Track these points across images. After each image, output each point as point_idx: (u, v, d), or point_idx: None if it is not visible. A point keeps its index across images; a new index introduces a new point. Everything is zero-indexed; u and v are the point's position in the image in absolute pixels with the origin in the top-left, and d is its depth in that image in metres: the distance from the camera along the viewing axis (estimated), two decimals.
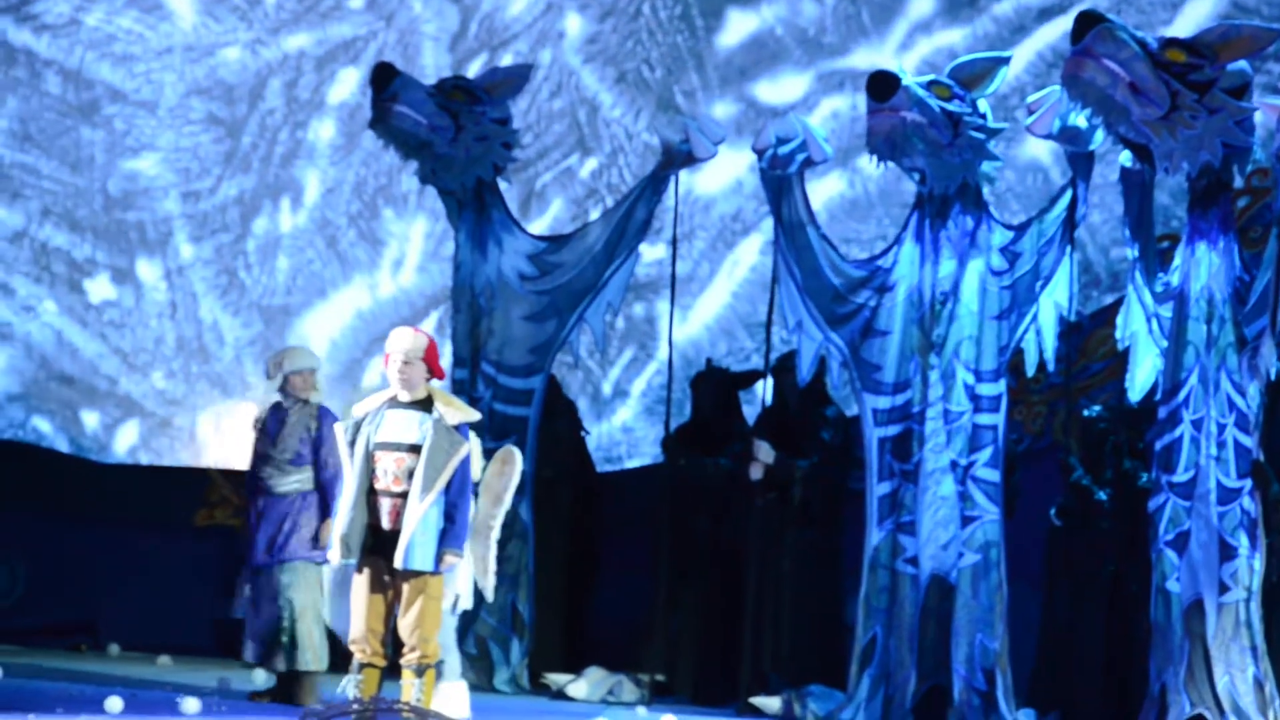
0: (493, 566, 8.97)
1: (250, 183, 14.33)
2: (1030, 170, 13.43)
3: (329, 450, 9.76)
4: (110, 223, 14.20)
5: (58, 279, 14.10)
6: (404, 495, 8.32)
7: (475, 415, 8.56)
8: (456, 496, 8.35)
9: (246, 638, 10.03)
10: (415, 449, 8.33)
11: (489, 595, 9.26)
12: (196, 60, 14.27)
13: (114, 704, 9.30)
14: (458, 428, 8.41)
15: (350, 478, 8.39)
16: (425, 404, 8.43)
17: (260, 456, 10.02)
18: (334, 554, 8.37)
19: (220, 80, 14.29)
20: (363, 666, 8.38)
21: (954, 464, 10.37)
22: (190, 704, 9.24)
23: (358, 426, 8.45)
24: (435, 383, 8.55)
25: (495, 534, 9.04)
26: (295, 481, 9.98)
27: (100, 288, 14.17)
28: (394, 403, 8.47)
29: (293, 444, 9.96)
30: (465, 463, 8.38)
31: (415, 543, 8.26)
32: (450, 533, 8.34)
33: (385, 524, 8.34)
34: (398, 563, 8.28)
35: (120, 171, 14.20)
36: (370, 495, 8.38)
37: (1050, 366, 10.51)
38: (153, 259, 14.24)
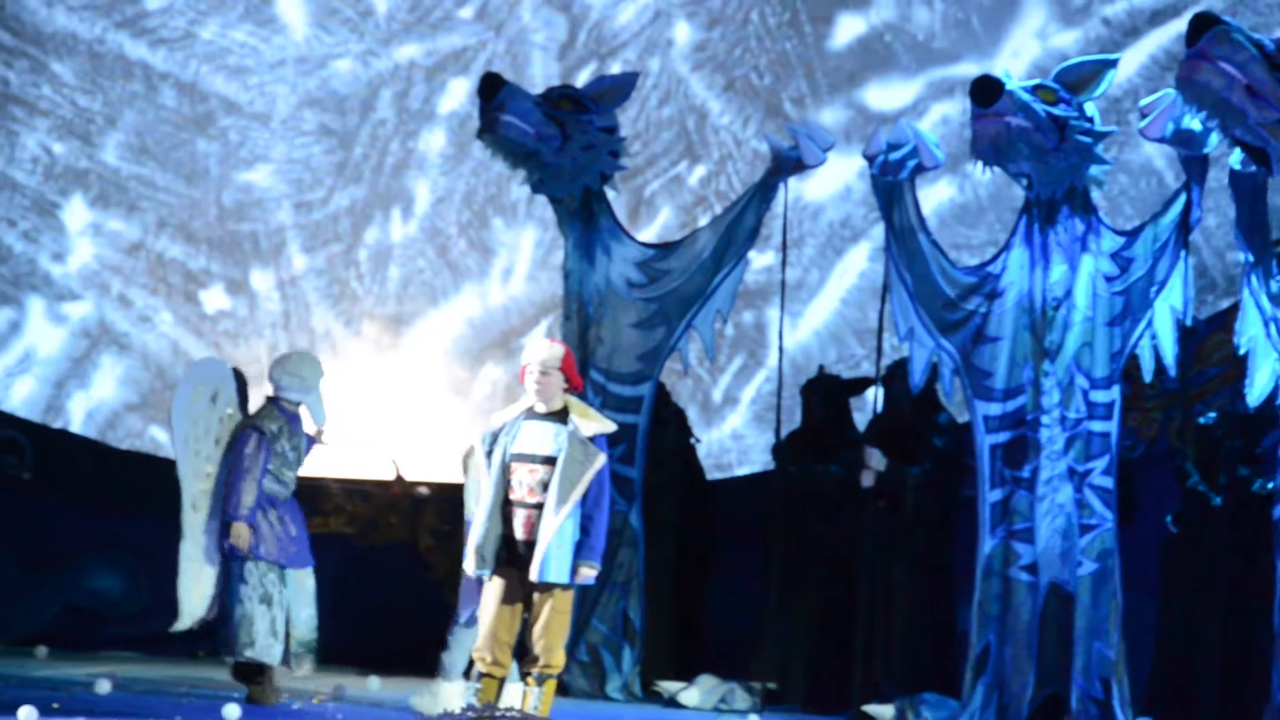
0: None
1: (362, 193, 14.44)
2: (1144, 174, 13.32)
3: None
4: (224, 234, 14.35)
5: (174, 290, 14.26)
6: (539, 507, 8.31)
7: (611, 426, 8.53)
8: (592, 508, 8.34)
9: (269, 635, 10.12)
10: (550, 460, 8.32)
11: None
12: (309, 72, 14.41)
13: (232, 711, 9.39)
14: (593, 439, 8.39)
15: (486, 488, 8.40)
16: (561, 415, 8.42)
17: (281, 460, 10.13)
18: (469, 564, 8.40)
19: (332, 91, 14.42)
20: (482, 675, 8.41)
21: (1071, 471, 10.29)
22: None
23: (494, 437, 8.45)
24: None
25: None
26: None
27: (215, 298, 14.33)
28: (530, 413, 8.46)
29: (302, 455, 10.21)
30: (600, 474, 8.36)
31: (550, 555, 8.26)
32: (586, 545, 8.32)
33: (520, 535, 8.35)
34: (533, 575, 8.28)
35: (234, 183, 14.35)
36: (505, 506, 8.38)
37: (1171, 372, 10.39)
38: (266, 269, 14.37)
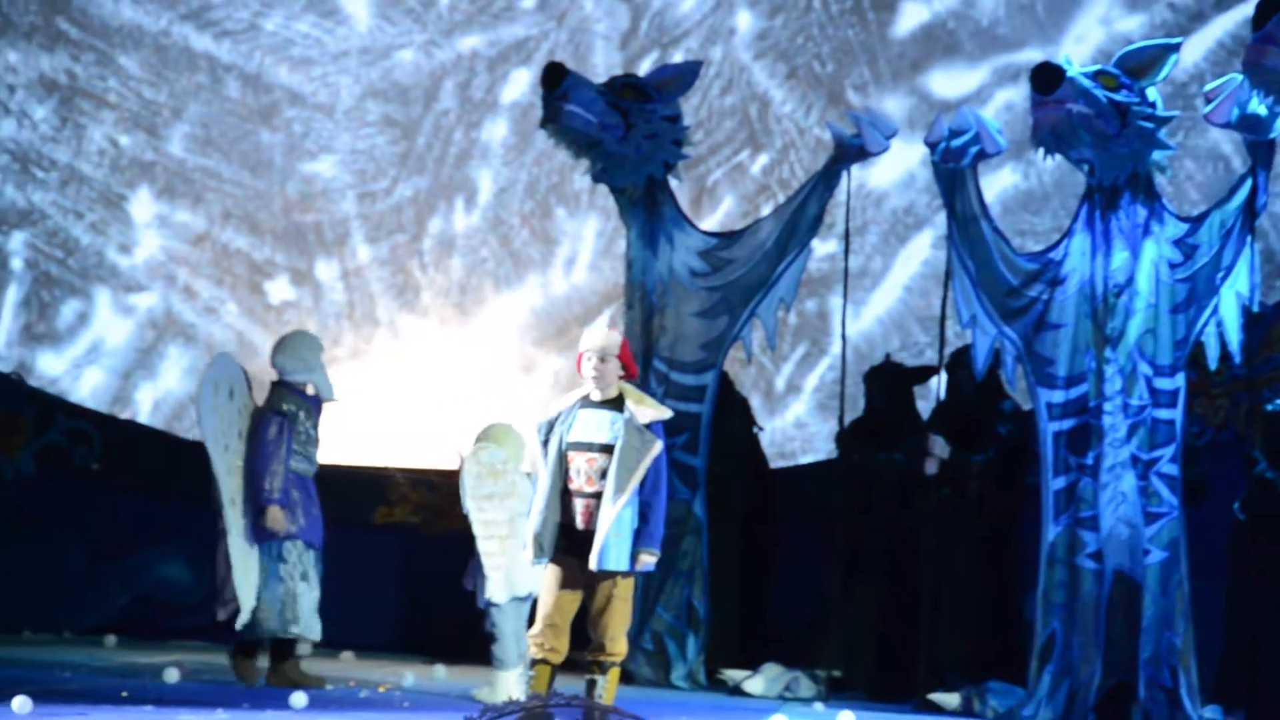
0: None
1: (425, 183, 14.49)
2: (1210, 159, 13.24)
3: None
4: (289, 225, 14.43)
5: (239, 280, 14.35)
6: (597, 496, 8.29)
7: (667, 413, 8.50)
8: (650, 496, 8.31)
9: (313, 613, 10.23)
10: (608, 449, 8.29)
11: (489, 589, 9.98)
12: (372, 63, 14.47)
13: (298, 699, 9.45)
14: (649, 426, 8.37)
15: (543, 477, 8.40)
16: (617, 403, 8.40)
17: (305, 438, 10.25)
18: (527, 553, 8.42)
19: (395, 82, 14.47)
20: (535, 662, 8.42)
21: (1135, 459, 10.24)
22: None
23: (550, 425, 8.43)
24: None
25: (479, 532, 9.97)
26: None
27: (280, 289, 14.41)
28: (586, 401, 8.44)
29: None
30: (657, 461, 8.33)
31: (610, 544, 8.24)
32: (644, 532, 8.29)
33: (578, 524, 8.32)
34: (593, 564, 8.26)
35: (298, 174, 14.43)
36: (564, 495, 8.38)
37: (1237, 358, 10.32)
38: (330, 260, 14.45)
